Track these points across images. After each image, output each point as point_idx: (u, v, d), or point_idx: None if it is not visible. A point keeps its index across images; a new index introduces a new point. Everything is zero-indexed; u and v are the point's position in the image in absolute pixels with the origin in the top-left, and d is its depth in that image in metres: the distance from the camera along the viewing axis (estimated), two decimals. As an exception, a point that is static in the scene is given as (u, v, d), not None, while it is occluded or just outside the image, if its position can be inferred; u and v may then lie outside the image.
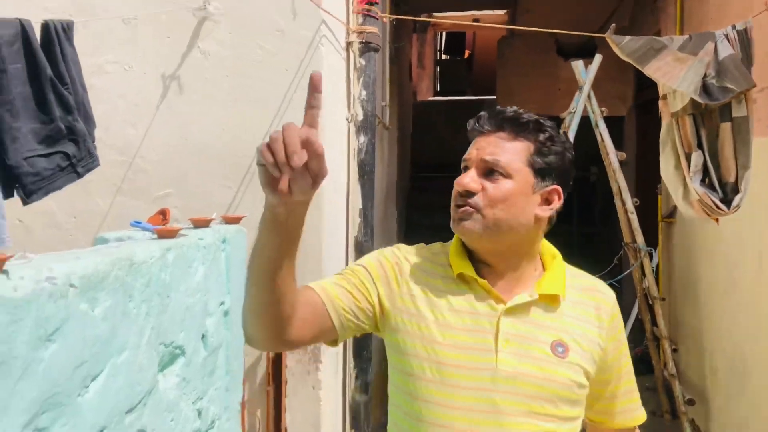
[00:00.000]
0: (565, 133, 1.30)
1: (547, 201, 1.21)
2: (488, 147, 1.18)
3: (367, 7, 2.97)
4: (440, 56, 15.50)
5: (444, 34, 14.78)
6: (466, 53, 14.82)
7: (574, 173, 1.26)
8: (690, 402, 4.27)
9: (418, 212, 7.62)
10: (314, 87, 0.93)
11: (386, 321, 1.21)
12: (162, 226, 1.54)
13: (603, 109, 4.45)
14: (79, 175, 2.02)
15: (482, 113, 1.23)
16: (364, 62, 3.11)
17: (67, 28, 1.98)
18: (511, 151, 1.18)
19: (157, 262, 1.29)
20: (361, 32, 3.01)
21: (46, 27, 1.92)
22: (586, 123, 4.45)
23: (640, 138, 6.38)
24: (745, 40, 3.02)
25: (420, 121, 9.25)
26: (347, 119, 3.12)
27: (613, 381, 1.27)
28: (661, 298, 4.54)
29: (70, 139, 1.96)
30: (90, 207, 2.76)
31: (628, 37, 3.06)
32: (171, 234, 1.44)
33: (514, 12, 7.18)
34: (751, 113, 2.92)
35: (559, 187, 1.22)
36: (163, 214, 1.71)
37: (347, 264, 3.04)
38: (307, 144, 0.89)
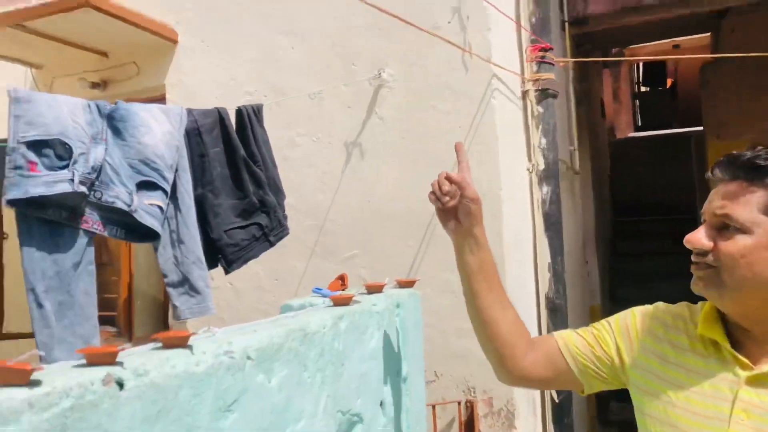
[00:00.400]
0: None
1: None
2: (719, 199, 1.07)
3: (541, 54, 2.90)
4: (639, 89, 14.66)
5: (641, 64, 13.98)
6: (669, 82, 13.83)
7: None
8: None
9: (624, 260, 7.12)
10: (458, 151, 1.30)
11: (626, 376, 1.20)
12: (338, 293, 1.59)
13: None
14: (271, 244, 2.19)
15: (720, 160, 1.11)
16: (542, 109, 3.03)
17: (258, 111, 2.20)
18: (745, 203, 1.04)
19: (329, 331, 1.34)
20: (536, 80, 2.94)
21: (239, 112, 2.15)
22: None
23: None
24: None
25: (619, 161, 8.73)
26: (528, 170, 3.04)
27: None
28: None
29: (262, 211, 2.14)
30: (289, 269, 2.98)
31: None
32: (345, 301, 1.48)
33: (718, 34, 6.56)
34: None
35: None
36: (342, 279, 1.77)
37: (539, 325, 2.90)
38: (449, 178, 1.22)
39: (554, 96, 3.07)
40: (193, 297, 2.02)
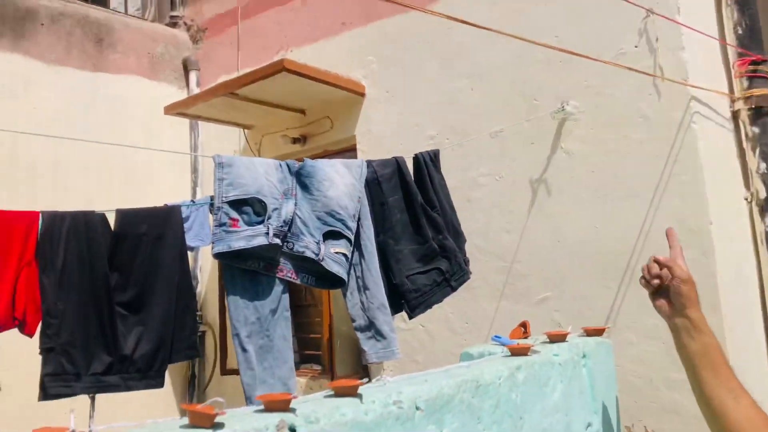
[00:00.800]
0: None
1: None
2: None
3: (752, 68, 2.57)
4: None
5: None
6: None
7: None
8: None
9: None
10: (669, 237, 1.28)
11: None
12: (516, 342, 1.51)
13: None
14: (453, 289, 2.17)
15: None
16: (757, 130, 2.66)
17: (434, 157, 2.22)
18: None
19: (505, 382, 1.27)
20: (748, 97, 2.61)
21: (417, 159, 2.18)
22: None
23: None
24: None
25: None
26: (746, 199, 2.68)
27: None
28: None
29: (442, 256, 2.13)
30: (478, 312, 2.93)
31: None
32: (523, 351, 1.41)
33: None
34: None
35: None
36: (524, 326, 1.69)
37: None
38: (658, 261, 1.23)
39: (772, 113, 2.69)
40: (379, 341, 2.06)
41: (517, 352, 1.43)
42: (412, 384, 1.27)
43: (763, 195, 2.64)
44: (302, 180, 2.00)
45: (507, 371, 1.32)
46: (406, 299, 2.09)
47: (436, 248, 2.12)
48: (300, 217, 1.98)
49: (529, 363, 1.39)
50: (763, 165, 2.62)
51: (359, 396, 1.22)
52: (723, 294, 2.29)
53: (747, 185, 2.69)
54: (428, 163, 2.18)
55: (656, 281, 1.22)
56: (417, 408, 1.24)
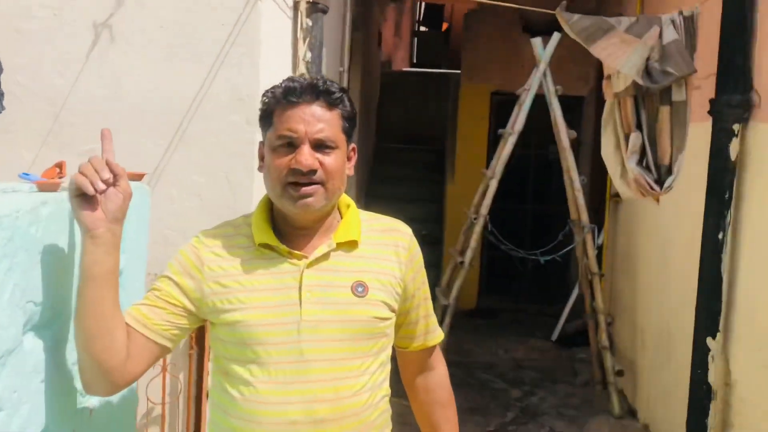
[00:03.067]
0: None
1: (349, 159, 1.35)
2: (315, 122, 1.25)
3: (315, -33, 2.89)
4: (418, 27, 15.34)
5: (423, 5, 14.60)
6: (444, 26, 14.68)
7: None
8: (619, 373, 4.39)
9: (379, 183, 7.59)
10: (104, 139, 1.26)
11: (202, 309, 1.29)
12: (45, 180, 1.47)
13: (558, 87, 4.46)
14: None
15: (290, 85, 1.28)
16: (310, 23, 3.04)
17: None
18: (333, 123, 1.27)
19: (26, 216, 1.24)
20: (307, -8, 2.94)
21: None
22: (545, 102, 4.46)
23: (599, 119, 6.41)
24: (690, 26, 3.04)
25: (391, 92, 9.17)
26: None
27: (414, 308, 1.41)
28: (601, 274, 4.63)
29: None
30: (14, 158, 2.67)
31: (577, 16, 3.05)
32: (52, 187, 1.38)
33: (484, -16, 7.09)
34: (690, 98, 2.94)
35: (355, 145, 1.37)
36: (60, 167, 1.64)
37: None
38: (110, 166, 1.19)
39: (324, 11, 3.10)
40: None
41: (46, 188, 1.40)
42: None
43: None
44: None
45: (30, 205, 1.27)
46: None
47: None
48: None
49: (56, 199, 1.37)
50: (309, 54, 3.03)
51: None
52: (257, 160, 2.62)
53: (293, 70, 3.07)
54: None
55: (103, 187, 1.17)
56: None
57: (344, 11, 4.55)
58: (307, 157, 1.23)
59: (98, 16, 2.59)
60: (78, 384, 1.45)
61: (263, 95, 1.35)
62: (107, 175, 1.17)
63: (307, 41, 3.04)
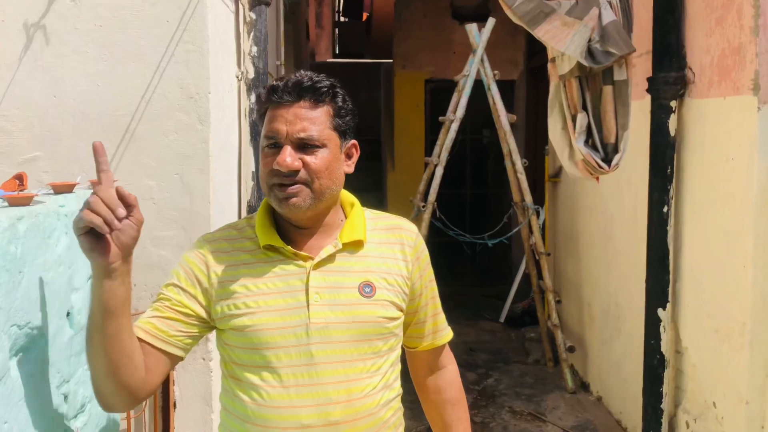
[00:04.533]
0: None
1: (348, 156, 1.32)
2: (297, 122, 1.21)
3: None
4: (339, 18, 15.28)
5: (342, -5, 14.54)
6: (365, 16, 14.67)
7: None
8: (570, 349, 4.54)
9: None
10: (97, 153, 1.11)
11: (212, 315, 1.26)
12: (15, 193, 1.37)
13: (495, 72, 4.54)
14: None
15: (275, 84, 1.24)
16: (254, 16, 2.96)
17: None
18: (318, 121, 1.23)
19: (4, 234, 1.15)
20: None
21: None
22: (478, 86, 4.52)
23: (530, 102, 6.58)
24: (626, 6, 3.14)
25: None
26: (237, 77, 2.98)
27: (422, 307, 1.40)
28: (547, 253, 4.76)
29: None
30: (-55, 171, 2.48)
31: (519, 0, 3.09)
32: (25, 201, 1.29)
33: (411, -27, 7.12)
34: (630, 77, 3.05)
35: (356, 141, 1.33)
36: (20, 178, 1.53)
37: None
38: (121, 197, 1.08)
39: (267, 4, 3.02)
40: None
41: (18, 202, 1.31)
42: None
43: (251, 75, 2.98)
44: None
45: (7, 221, 1.20)
46: None
47: None
48: None
49: (32, 213, 1.30)
50: (254, 48, 2.94)
51: None
52: (212, 159, 2.54)
53: (239, 64, 2.98)
54: None
55: (119, 224, 1.07)
56: None
57: (277, 2, 4.46)
58: (285, 157, 1.19)
59: (30, 16, 2.43)
60: (63, 408, 1.37)
61: (257, 96, 1.33)
62: (123, 213, 1.07)
63: (251, 35, 2.96)
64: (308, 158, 1.21)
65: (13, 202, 1.28)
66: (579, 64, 3.02)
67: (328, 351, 1.22)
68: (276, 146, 1.22)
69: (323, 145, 1.23)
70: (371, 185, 7.38)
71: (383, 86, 7.44)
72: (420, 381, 1.49)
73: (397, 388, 1.34)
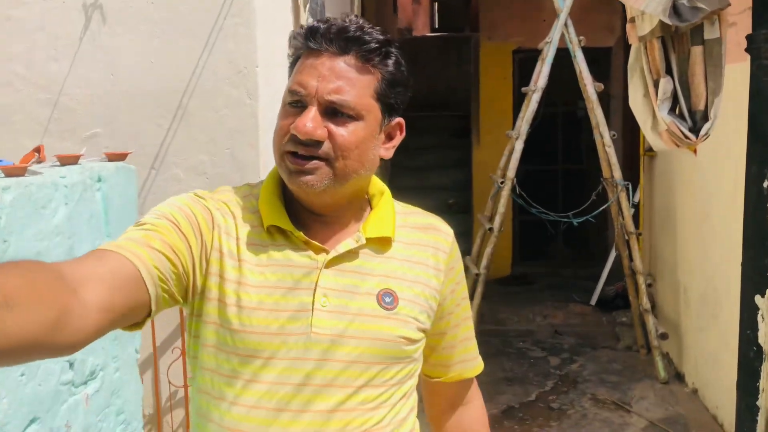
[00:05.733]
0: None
1: (389, 137, 1.03)
2: (332, 79, 0.93)
3: (309, -75, 2.72)
4: (437, -8, 15.02)
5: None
6: (464, -12, 14.29)
7: None
8: (663, 336, 4.20)
9: (403, 154, 7.42)
10: None
11: (195, 287, 0.95)
12: (11, 164, 1.38)
13: (581, 38, 4.23)
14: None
15: (316, 25, 0.96)
16: (310, -12, 2.89)
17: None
18: (360, 86, 0.94)
19: (-16, 203, 1.15)
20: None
21: None
22: (569, 55, 4.23)
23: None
24: (721, -46, 2.77)
25: (410, 59, 8.92)
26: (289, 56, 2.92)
27: (451, 330, 1.12)
28: (638, 233, 4.42)
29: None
30: (17, 148, 2.60)
31: (596, -45, 2.81)
32: (18, 172, 1.29)
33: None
34: (724, 36, 2.70)
35: (402, 120, 1.03)
36: (38, 150, 1.56)
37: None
38: None
39: (323, -25, 2.93)
40: None
41: (12, 172, 1.32)
42: None
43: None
44: None
45: (-10, 191, 1.19)
46: None
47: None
48: None
49: (21, 184, 1.29)
50: (310, 20, 2.87)
51: None
52: (262, 134, 2.51)
53: (297, 40, 2.92)
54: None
55: None
56: None
57: (353, -23, 4.37)
58: (306, 122, 0.91)
59: (86, -4, 2.49)
60: (68, 375, 1.37)
61: (291, 37, 1.05)
62: None
63: (308, 7, 2.89)
64: (336, 129, 0.93)
65: (9, 173, 1.29)
66: (662, 23, 2.71)
67: (327, 371, 0.94)
68: (299, 105, 0.94)
69: (359, 117, 0.94)
70: (457, 163, 7.19)
71: (472, 60, 7.20)
72: (437, 417, 1.21)
73: (411, 422, 1.05)
